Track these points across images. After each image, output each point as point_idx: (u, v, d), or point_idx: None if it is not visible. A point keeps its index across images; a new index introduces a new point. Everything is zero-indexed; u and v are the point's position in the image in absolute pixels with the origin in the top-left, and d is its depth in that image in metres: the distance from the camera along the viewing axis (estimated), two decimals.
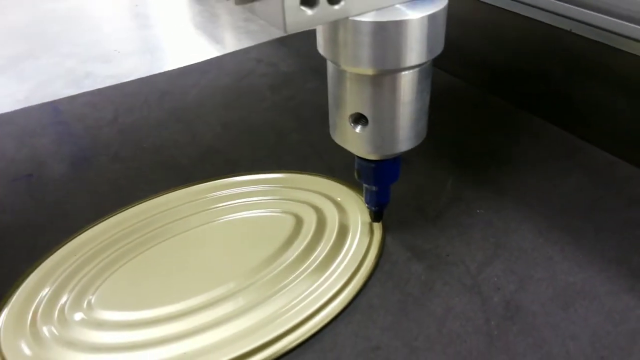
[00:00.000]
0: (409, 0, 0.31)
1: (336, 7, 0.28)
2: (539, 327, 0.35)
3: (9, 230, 0.45)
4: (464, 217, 0.44)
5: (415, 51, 0.31)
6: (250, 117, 0.58)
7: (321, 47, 0.33)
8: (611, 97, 0.49)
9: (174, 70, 0.69)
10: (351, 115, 0.34)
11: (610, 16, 0.46)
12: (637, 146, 0.48)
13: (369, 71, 0.32)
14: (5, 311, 0.37)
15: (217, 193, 0.47)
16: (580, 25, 0.49)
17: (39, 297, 0.38)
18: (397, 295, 0.38)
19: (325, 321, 0.36)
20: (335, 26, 0.31)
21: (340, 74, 0.33)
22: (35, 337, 0.35)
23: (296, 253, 0.40)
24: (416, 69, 0.32)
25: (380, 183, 0.39)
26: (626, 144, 0.49)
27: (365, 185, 0.40)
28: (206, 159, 0.52)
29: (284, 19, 0.26)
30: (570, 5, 0.48)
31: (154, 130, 0.57)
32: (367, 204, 0.41)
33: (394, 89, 0.33)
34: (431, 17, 0.30)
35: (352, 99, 0.34)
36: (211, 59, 0.71)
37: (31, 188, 0.50)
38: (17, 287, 0.39)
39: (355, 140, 0.35)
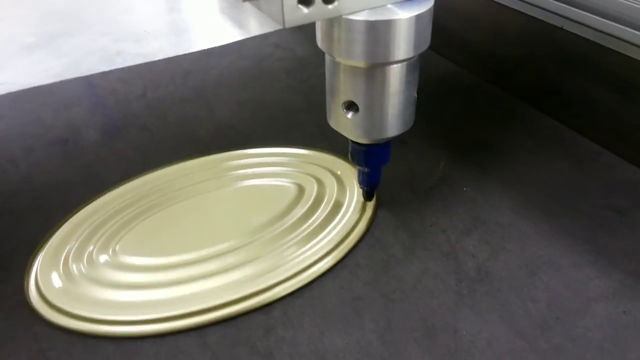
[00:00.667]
0: (398, 1, 0.34)
1: (330, 6, 0.31)
2: (504, 290, 0.40)
3: (46, 187, 0.51)
4: (450, 194, 0.49)
5: (402, 47, 0.34)
6: (265, 97, 0.64)
7: (319, 40, 0.36)
8: (598, 90, 0.53)
9: (198, 51, 0.74)
10: (344, 103, 0.38)
11: (598, 16, 0.50)
12: (620, 137, 0.52)
13: (360, 64, 0.35)
14: (42, 252, 0.43)
15: (230, 163, 0.52)
16: (571, 23, 0.52)
17: (70, 242, 0.44)
18: (382, 256, 0.43)
19: (315, 275, 0.41)
20: (331, 23, 0.34)
21: (335, 65, 0.37)
22: (66, 273, 0.41)
23: (296, 217, 0.45)
24: (403, 63, 0.36)
25: (370, 165, 0.43)
26: (610, 135, 0.53)
27: (358, 167, 0.44)
28: (223, 133, 0.58)
29: (283, 15, 0.30)
30: (561, 4, 0.52)
31: (177, 106, 0.62)
32: (360, 183, 0.45)
33: (382, 80, 0.36)
34: (418, 17, 0.33)
35: (345, 88, 0.37)
36: (233, 42, 0.76)
37: (66, 151, 0.56)
38: (53, 233, 0.45)
39: (347, 125, 0.39)
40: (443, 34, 0.69)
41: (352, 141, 0.41)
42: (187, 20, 0.92)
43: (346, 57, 0.35)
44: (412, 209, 0.47)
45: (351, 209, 0.46)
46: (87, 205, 0.47)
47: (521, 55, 0.61)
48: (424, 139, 0.55)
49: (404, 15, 0.33)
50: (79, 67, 0.75)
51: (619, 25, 0.48)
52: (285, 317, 0.39)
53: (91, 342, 0.37)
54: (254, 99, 0.63)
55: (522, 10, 0.58)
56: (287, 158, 0.52)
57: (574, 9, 0.51)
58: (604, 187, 0.49)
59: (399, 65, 0.35)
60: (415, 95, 0.39)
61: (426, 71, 0.67)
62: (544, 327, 0.37)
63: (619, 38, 0.49)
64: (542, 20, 0.55)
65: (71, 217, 0.46)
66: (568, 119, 0.56)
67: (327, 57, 0.37)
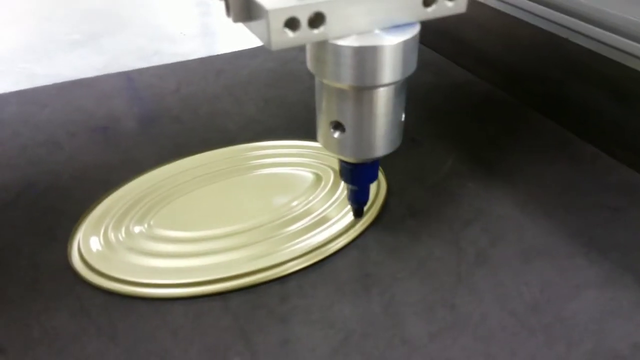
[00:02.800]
0: (385, 26, 0.34)
1: (316, 31, 0.32)
2: (500, 274, 0.44)
3: (88, 167, 0.56)
4: (456, 189, 0.53)
5: (389, 72, 0.34)
6: (288, 95, 0.68)
7: (307, 62, 0.36)
8: (599, 98, 0.57)
9: (229, 53, 0.79)
10: (331, 122, 0.38)
11: (601, 28, 0.54)
12: (618, 141, 0.55)
13: (346, 86, 0.35)
14: (84, 223, 0.48)
15: (255, 152, 0.57)
16: (575, 34, 0.56)
17: (110, 215, 0.49)
18: (390, 240, 0.47)
19: (328, 253, 0.45)
20: (318, 46, 0.34)
21: (323, 85, 0.37)
22: (106, 241, 0.46)
23: (313, 201, 0.50)
24: (390, 87, 0.36)
25: (358, 183, 0.43)
26: (609, 139, 0.56)
27: (347, 185, 0.44)
28: (249, 126, 0.62)
29: (269, 38, 0.30)
30: (567, 16, 0.56)
31: (209, 101, 0.67)
32: (349, 200, 0.46)
33: (369, 102, 0.36)
34: (405, 43, 0.34)
35: (333, 108, 0.37)
36: (261, 46, 0.81)
37: (107, 137, 0.61)
38: (94, 207, 0.50)
39: (334, 144, 0.39)
40: (458, 44, 0.73)
41: (341, 160, 0.42)
42: (219, 24, 0.97)
43: (333, 80, 0.35)
44: (420, 200, 0.51)
45: None
46: (125, 184, 0.52)
47: (529, 64, 0.64)
48: (435, 138, 0.59)
49: (391, 41, 0.33)
50: (119, 64, 0.81)
51: (619, 38, 0.52)
52: (299, 288, 0.43)
53: (127, 301, 0.42)
54: (278, 96, 0.68)
55: (531, 22, 0.61)
56: (307, 150, 0.57)
57: (579, 21, 0.55)
58: (601, 187, 0.52)
59: (386, 88, 0.36)
60: (403, 116, 0.40)
61: (442, 77, 0.72)
62: (536, 308, 0.41)
63: (619, 49, 0.52)
64: (549, 32, 0.59)
65: (111, 194, 0.51)
66: (570, 123, 0.60)
67: (316, 78, 0.38)
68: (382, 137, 0.38)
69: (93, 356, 0.38)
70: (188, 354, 0.38)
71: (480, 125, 0.62)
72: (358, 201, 0.45)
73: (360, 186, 0.44)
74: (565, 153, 0.57)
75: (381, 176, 0.53)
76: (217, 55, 0.79)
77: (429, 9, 0.35)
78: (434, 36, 0.77)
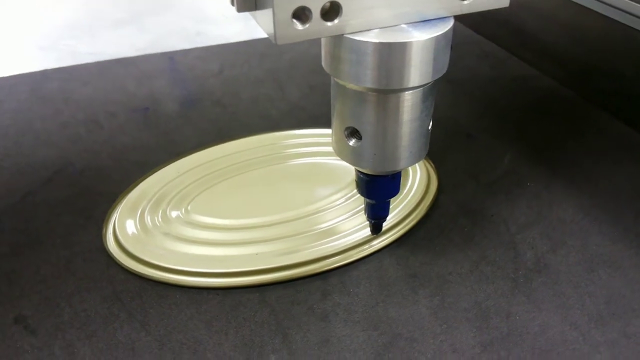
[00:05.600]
0: (413, 21, 0.30)
1: (330, 23, 0.27)
2: (561, 283, 0.40)
3: (127, 148, 0.54)
4: (514, 188, 0.49)
5: (416, 74, 0.30)
6: None
7: (322, 60, 0.32)
8: None
9: None
10: (347, 129, 0.34)
11: None
12: None
13: (365, 89, 0.31)
14: (121, 205, 0.46)
15: (298, 140, 0.54)
16: None
17: (147, 198, 0.47)
18: (440, 239, 0.44)
19: (373, 250, 0.42)
20: (333, 41, 0.30)
21: (339, 87, 0.32)
22: (142, 224, 0.44)
23: (356, 196, 0.46)
24: (415, 91, 0.31)
25: (376, 197, 0.39)
26: None
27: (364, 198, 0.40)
28: (293, 112, 0.60)
29: (274, 31, 0.26)
30: None
31: (251, 85, 0.65)
32: (365, 215, 0.41)
33: (391, 108, 0.31)
34: (436, 39, 0.29)
35: (348, 112, 0.33)
36: None
37: (147, 118, 0.59)
38: (132, 189, 0.48)
39: (349, 153, 0.35)
40: (519, 35, 0.69)
41: (357, 170, 0.37)
42: None
43: (350, 81, 0.31)
44: (474, 199, 0.48)
45: (412, 192, 0.47)
46: (164, 166, 0.50)
47: (598, 59, 0.60)
48: (492, 134, 0.56)
49: (419, 37, 0.29)
50: (162, 44, 0.79)
51: None
52: (341, 285, 0.40)
53: (161, 288, 0.40)
54: (323, 83, 0.65)
55: (602, 12, 0.57)
56: None
57: None
58: None
59: (412, 92, 0.31)
60: (430, 124, 0.35)
61: (500, 70, 0.68)
62: (599, 322, 0.37)
63: None
64: (621, 23, 0.55)
65: (148, 176, 0.49)
66: None
67: (332, 78, 0.33)
68: (405, 148, 0.33)
69: (124, 343, 0.36)
70: (222, 347, 0.36)
71: (541, 123, 0.58)
72: (376, 217, 0.40)
73: (378, 200, 0.39)
74: (634, 156, 0.52)
75: (432, 171, 0.50)
76: (261, 39, 0.76)
77: (466, 2, 0.30)
78: (493, 26, 0.72)
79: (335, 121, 0.35)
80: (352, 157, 0.35)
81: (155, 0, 0.96)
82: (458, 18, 0.31)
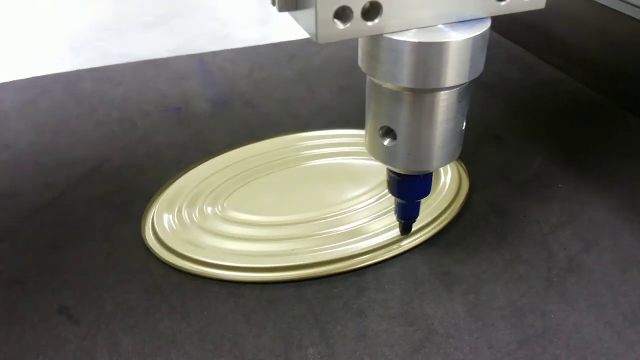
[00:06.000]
0: (451, 21, 0.30)
1: (370, 23, 0.28)
2: (595, 282, 0.40)
3: (162, 146, 0.56)
4: (545, 189, 0.49)
5: (453, 73, 0.30)
6: (363, 84, 0.66)
7: (359, 59, 0.33)
8: None
9: (302, 39, 0.78)
10: (381, 128, 0.34)
11: None
12: None
13: (401, 88, 0.31)
14: (159, 201, 0.47)
15: (329, 140, 0.55)
16: None
17: (184, 194, 0.48)
18: (473, 239, 0.44)
19: (406, 248, 0.43)
20: (372, 41, 0.30)
21: (375, 86, 0.33)
22: (180, 220, 0.45)
23: (388, 195, 0.47)
24: (452, 90, 0.32)
25: (407, 197, 0.39)
26: None
27: (394, 198, 0.40)
28: (323, 113, 0.61)
29: (316, 30, 0.27)
30: None
31: (281, 86, 0.66)
32: (396, 215, 0.41)
33: (426, 108, 0.32)
34: (473, 40, 0.30)
35: (383, 111, 0.33)
36: None
37: (180, 118, 0.60)
38: (168, 185, 0.49)
39: (383, 153, 0.35)
40: (547, 39, 0.69)
41: (389, 169, 0.38)
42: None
43: (387, 80, 0.31)
44: (506, 199, 0.48)
45: (444, 191, 0.48)
46: (199, 164, 0.51)
47: (627, 62, 0.60)
48: (522, 137, 0.56)
49: (457, 37, 0.29)
50: (191, 46, 0.81)
51: None
52: (376, 282, 0.41)
53: (200, 281, 0.41)
54: (353, 85, 0.66)
55: (631, 14, 0.57)
56: None
57: None
58: None
59: (448, 92, 0.31)
60: (464, 125, 0.35)
61: (529, 74, 0.68)
62: (634, 321, 0.38)
63: None
64: None
65: (184, 173, 0.50)
66: None
67: (367, 77, 0.34)
68: (439, 148, 0.34)
69: (165, 334, 0.37)
70: (261, 339, 0.37)
71: (571, 126, 0.58)
72: (406, 217, 0.41)
73: (409, 200, 0.40)
74: None
75: (463, 172, 0.50)
76: (289, 41, 0.77)
77: (503, 3, 0.30)
78: (521, 30, 0.73)
79: (369, 120, 0.35)
80: (386, 156, 0.35)
81: (182, 3, 0.97)
82: None
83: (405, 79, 0.30)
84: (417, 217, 0.41)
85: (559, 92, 0.64)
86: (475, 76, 0.32)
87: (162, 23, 0.90)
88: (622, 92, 0.61)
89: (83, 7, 0.96)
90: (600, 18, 0.62)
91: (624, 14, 0.58)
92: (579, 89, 0.65)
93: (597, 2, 0.61)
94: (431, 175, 0.38)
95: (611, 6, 0.60)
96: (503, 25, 0.75)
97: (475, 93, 0.63)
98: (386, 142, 0.34)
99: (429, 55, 0.29)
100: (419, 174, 0.37)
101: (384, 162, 0.36)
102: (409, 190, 0.38)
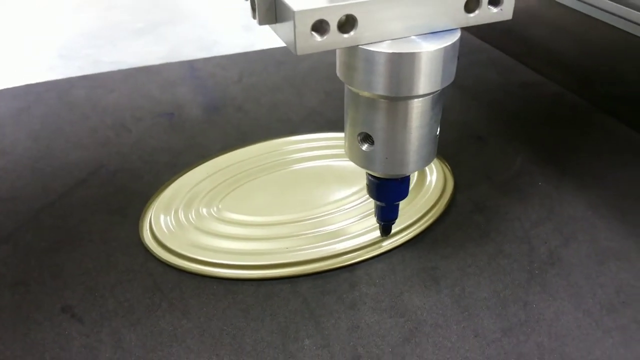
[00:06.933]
0: (422, 33, 0.31)
1: (346, 35, 0.29)
2: (574, 274, 0.43)
3: (155, 151, 0.57)
4: (526, 187, 0.52)
5: (425, 82, 0.31)
6: None
7: (337, 68, 0.34)
8: None
9: None
10: (359, 134, 0.35)
11: None
12: None
13: (377, 96, 0.32)
14: (155, 203, 0.49)
15: (317, 143, 0.57)
16: None
17: (180, 197, 0.49)
18: (458, 235, 0.46)
19: (395, 245, 0.45)
20: (348, 52, 0.31)
21: (352, 94, 0.34)
22: (177, 221, 0.47)
23: None
24: (424, 98, 0.33)
25: (385, 200, 0.40)
26: None
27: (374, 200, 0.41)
28: (311, 117, 0.63)
29: (295, 43, 0.28)
30: None
31: (270, 91, 0.68)
32: (375, 217, 0.43)
33: (401, 114, 0.33)
34: (444, 50, 0.31)
35: (361, 119, 0.34)
36: None
37: (172, 123, 0.62)
38: (164, 189, 0.51)
39: (361, 158, 0.36)
40: (526, 43, 0.72)
41: (368, 173, 0.39)
42: None
43: (363, 89, 0.32)
44: (489, 198, 0.50)
45: (430, 191, 0.50)
46: (193, 168, 0.53)
47: (602, 65, 0.63)
48: (503, 138, 0.58)
49: (428, 48, 0.30)
50: (180, 53, 0.82)
51: None
52: (368, 277, 0.43)
53: (198, 279, 0.42)
54: (339, 90, 0.67)
55: (606, 21, 0.60)
56: None
57: None
58: None
59: (421, 100, 0.33)
60: (438, 130, 0.36)
61: (508, 77, 0.71)
62: (611, 310, 0.40)
63: None
64: (625, 32, 0.58)
65: (179, 177, 0.52)
66: None
67: (345, 85, 0.35)
68: (414, 153, 0.35)
69: (167, 330, 0.39)
70: (259, 332, 0.38)
71: (550, 127, 0.61)
72: (385, 219, 0.42)
73: (387, 203, 0.41)
74: (638, 159, 0.55)
75: (447, 172, 0.52)
76: (278, 48, 0.79)
77: (471, 15, 0.32)
78: (500, 34, 0.75)
79: (348, 127, 0.36)
80: (364, 161, 0.36)
81: (171, 10, 0.99)
82: (466, 27, 0.33)
83: (380, 87, 0.31)
84: (396, 218, 0.42)
85: (538, 94, 0.67)
86: (447, 84, 0.33)
87: (152, 31, 0.91)
88: (599, 94, 0.64)
89: (72, 15, 0.97)
90: (577, 24, 0.65)
91: (599, 20, 0.61)
92: (557, 91, 0.67)
93: (574, 9, 0.64)
94: (408, 179, 0.39)
95: (587, 13, 0.62)
96: (483, 30, 0.78)
97: (457, 96, 0.66)
98: (364, 147, 0.36)
99: (402, 65, 0.30)
100: (396, 178, 0.38)
101: (363, 166, 0.37)
102: (387, 193, 0.40)
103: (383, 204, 0.41)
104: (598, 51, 0.63)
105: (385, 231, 0.43)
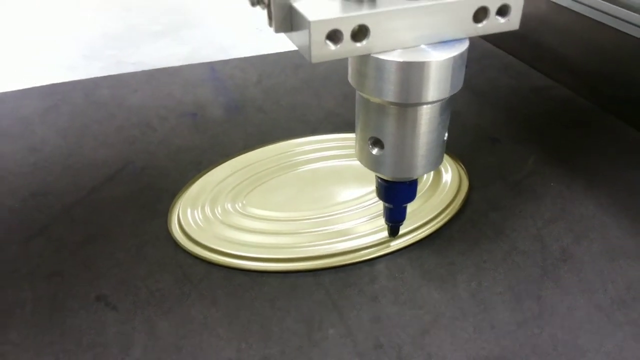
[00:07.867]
0: (432, 42, 0.33)
1: (359, 44, 0.30)
2: (586, 270, 0.44)
3: (180, 149, 0.59)
4: (539, 187, 0.53)
5: (435, 90, 0.33)
6: None
7: (349, 75, 0.35)
8: None
9: None
10: (370, 138, 0.37)
11: None
12: None
13: (386, 103, 0.34)
14: (182, 199, 0.51)
15: (335, 143, 0.59)
16: None
17: (206, 193, 0.52)
18: (474, 233, 0.48)
19: (413, 241, 0.47)
20: (360, 60, 0.33)
21: (364, 100, 0.35)
22: (204, 215, 0.49)
23: None
24: (433, 105, 0.34)
25: (394, 202, 0.42)
26: None
27: (383, 202, 0.43)
28: (329, 118, 0.65)
29: (310, 51, 0.29)
30: None
31: (289, 93, 0.70)
32: (384, 218, 0.44)
33: (411, 120, 0.35)
34: (453, 59, 0.32)
35: (371, 124, 0.36)
36: None
37: (196, 123, 0.64)
38: (190, 186, 0.53)
39: (371, 161, 0.38)
40: (537, 49, 0.74)
41: (377, 176, 0.40)
42: None
43: (374, 95, 0.33)
44: (502, 197, 0.52)
45: (445, 190, 0.52)
46: (217, 166, 0.55)
47: (611, 70, 0.65)
48: (515, 139, 0.60)
49: (438, 57, 0.32)
50: (200, 55, 0.85)
51: None
52: (387, 271, 0.45)
53: (225, 271, 0.44)
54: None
55: (614, 26, 0.62)
56: None
57: None
58: None
59: (430, 106, 0.34)
60: (446, 136, 0.38)
61: (520, 81, 0.72)
62: (622, 305, 0.42)
63: None
64: (633, 37, 0.59)
65: (204, 174, 0.54)
66: None
67: (357, 91, 0.36)
68: (422, 157, 0.37)
69: (197, 318, 0.41)
70: (285, 322, 0.40)
71: (561, 129, 0.62)
72: (393, 220, 0.44)
73: (395, 205, 0.42)
74: None
75: (462, 172, 0.54)
76: (295, 51, 0.81)
77: (480, 25, 0.33)
78: (512, 40, 0.77)
79: (359, 131, 0.38)
80: (374, 164, 0.38)
81: (185, 14, 1.01)
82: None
83: (390, 94, 0.33)
84: (403, 220, 0.44)
85: (550, 98, 0.69)
86: (456, 91, 0.34)
87: (171, 33, 0.93)
88: (607, 97, 0.66)
89: (93, 17, 1.00)
90: (586, 30, 0.67)
91: (608, 26, 0.63)
92: (567, 95, 0.69)
93: (584, 15, 0.66)
94: (416, 182, 0.41)
95: (596, 18, 0.64)
96: (495, 36, 0.80)
97: (471, 100, 0.68)
98: (374, 151, 0.37)
99: (412, 73, 0.32)
100: (404, 181, 0.40)
101: (373, 169, 0.39)
102: (395, 195, 0.41)
103: (391, 206, 0.43)
104: (607, 56, 0.65)
105: (393, 232, 0.45)
